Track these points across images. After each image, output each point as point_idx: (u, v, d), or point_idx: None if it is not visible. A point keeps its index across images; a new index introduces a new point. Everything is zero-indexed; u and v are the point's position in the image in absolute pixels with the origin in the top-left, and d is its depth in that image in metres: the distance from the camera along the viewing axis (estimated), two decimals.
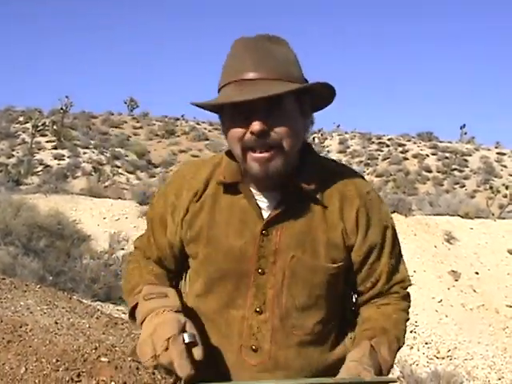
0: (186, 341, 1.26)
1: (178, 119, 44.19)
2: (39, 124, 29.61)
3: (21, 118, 35.86)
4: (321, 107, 1.47)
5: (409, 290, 1.57)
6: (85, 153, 29.88)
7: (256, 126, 1.31)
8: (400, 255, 1.54)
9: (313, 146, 1.52)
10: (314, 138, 36.63)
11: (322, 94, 1.42)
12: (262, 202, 1.43)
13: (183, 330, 1.28)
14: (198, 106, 1.38)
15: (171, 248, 1.53)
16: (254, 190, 1.44)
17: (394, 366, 8.58)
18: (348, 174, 1.50)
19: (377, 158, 38.48)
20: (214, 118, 1.49)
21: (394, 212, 14.01)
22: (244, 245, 1.41)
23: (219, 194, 1.46)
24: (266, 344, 1.42)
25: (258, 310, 1.42)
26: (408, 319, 1.54)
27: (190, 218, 1.47)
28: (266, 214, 1.42)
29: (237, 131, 1.35)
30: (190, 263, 1.54)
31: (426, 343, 9.87)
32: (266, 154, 1.33)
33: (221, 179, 1.45)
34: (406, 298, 1.55)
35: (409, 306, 1.55)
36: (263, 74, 1.31)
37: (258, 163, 1.34)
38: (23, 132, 32.58)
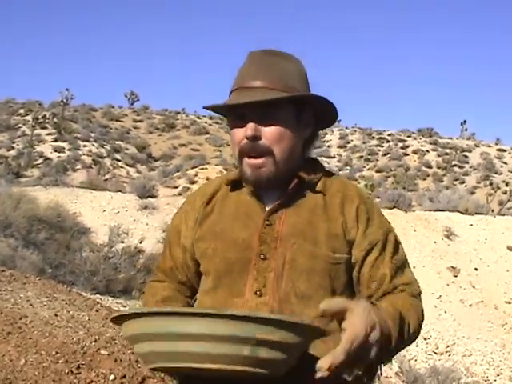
0: None
1: (178, 113, 44.18)
2: (39, 116, 29.62)
3: (21, 111, 35.86)
4: (328, 122, 1.58)
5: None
6: (85, 146, 29.89)
7: (249, 129, 1.42)
8: (406, 262, 1.52)
9: (320, 162, 1.61)
10: None
11: (324, 109, 1.51)
12: (266, 196, 1.50)
13: None
14: (208, 109, 1.52)
15: (184, 253, 1.57)
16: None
17: (393, 361, 8.60)
18: (350, 182, 1.61)
19: (377, 154, 38.49)
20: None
21: (394, 207, 14.01)
22: (248, 235, 1.47)
23: (227, 194, 1.55)
24: None
25: (257, 292, 1.42)
26: (420, 318, 1.45)
27: (200, 218, 1.55)
28: (269, 207, 1.50)
29: (236, 135, 1.46)
30: (201, 269, 1.54)
31: (425, 339, 9.88)
32: (258, 161, 1.44)
33: (228, 178, 1.55)
34: (416, 296, 1.48)
35: (421, 306, 1.48)
36: (262, 83, 1.43)
37: (251, 169, 1.45)
38: (23, 124, 32.58)
